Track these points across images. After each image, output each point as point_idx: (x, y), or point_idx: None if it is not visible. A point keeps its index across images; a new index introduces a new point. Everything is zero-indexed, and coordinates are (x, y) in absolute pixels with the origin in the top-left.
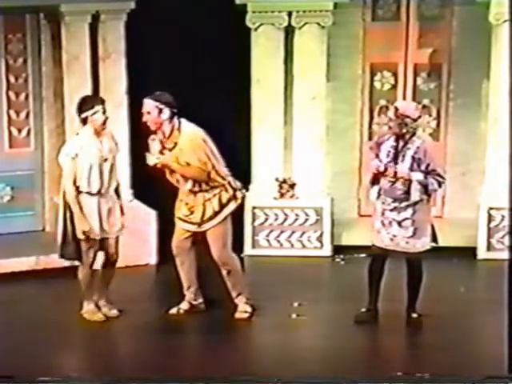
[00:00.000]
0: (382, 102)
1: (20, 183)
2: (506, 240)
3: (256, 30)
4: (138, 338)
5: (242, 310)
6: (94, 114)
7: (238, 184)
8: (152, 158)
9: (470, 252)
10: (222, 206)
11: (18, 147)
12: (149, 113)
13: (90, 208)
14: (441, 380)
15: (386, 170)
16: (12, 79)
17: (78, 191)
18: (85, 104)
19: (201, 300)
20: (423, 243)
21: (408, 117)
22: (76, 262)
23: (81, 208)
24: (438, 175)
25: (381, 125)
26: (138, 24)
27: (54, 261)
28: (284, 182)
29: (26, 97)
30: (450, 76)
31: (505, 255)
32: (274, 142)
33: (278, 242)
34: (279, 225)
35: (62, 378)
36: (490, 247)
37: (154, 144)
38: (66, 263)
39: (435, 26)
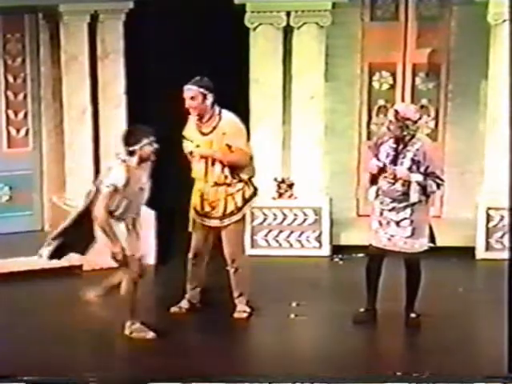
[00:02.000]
0: (381, 102)
1: (18, 183)
2: (505, 240)
3: (255, 29)
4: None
5: (241, 309)
6: (142, 147)
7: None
8: (189, 146)
9: (468, 252)
10: (245, 202)
11: (16, 147)
12: (192, 98)
13: (119, 231)
14: (441, 380)
15: (384, 170)
16: (10, 79)
17: (112, 215)
18: (133, 137)
19: (199, 299)
20: (421, 243)
21: (408, 119)
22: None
23: (112, 230)
24: (437, 177)
25: (379, 125)
26: (136, 24)
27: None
28: (282, 181)
29: (25, 97)
30: (448, 76)
31: (504, 255)
32: (272, 142)
33: (277, 241)
34: (278, 225)
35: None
36: (488, 247)
37: (190, 131)
38: (64, 263)
39: (434, 25)
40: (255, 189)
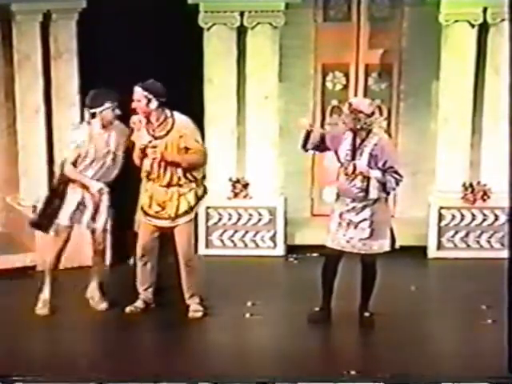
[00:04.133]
0: (334, 102)
1: None
2: (456, 239)
3: (208, 29)
4: (92, 337)
5: (195, 309)
6: (102, 111)
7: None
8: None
9: (420, 251)
10: (197, 201)
11: None
12: (138, 101)
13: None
14: (440, 380)
15: (343, 165)
16: None
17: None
18: (95, 100)
19: (152, 299)
20: (380, 245)
21: (361, 112)
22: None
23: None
24: (396, 172)
25: (333, 125)
26: (90, 23)
27: (8, 261)
28: (237, 181)
29: None
30: (400, 76)
31: (455, 254)
32: (227, 142)
33: (232, 241)
34: (233, 224)
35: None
36: (440, 246)
37: (140, 133)
38: (19, 264)
39: (386, 26)
40: (205, 187)
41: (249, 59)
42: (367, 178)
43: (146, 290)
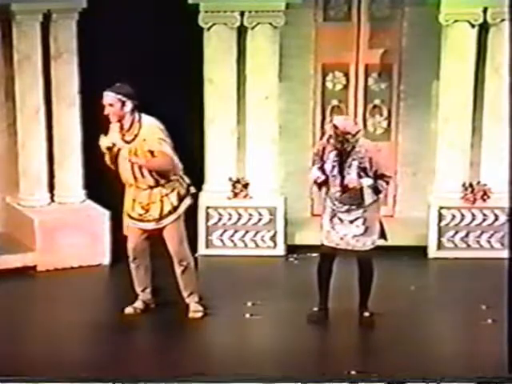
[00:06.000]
0: (334, 102)
1: None
2: (456, 239)
3: (208, 29)
4: (93, 338)
5: (195, 309)
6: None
7: (187, 179)
8: (105, 141)
9: (420, 251)
10: (180, 201)
11: None
12: (111, 105)
13: None
14: (440, 380)
15: (327, 181)
16: None
17: None
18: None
19: (152, 300)
20: (373, 240)
21: (348, 133)
22: None
23: None
24: (385, 176)
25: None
26: (90, 23)
27: (8, 261)
28: (237, 181)
29: None
30: (400, 76)
31: (455, 254)
32: (227, 142)
33: (232, 241)
34: (233, 224)
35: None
36: (440, 246)
37: (113, 136)
38: (19, 264)
39: (386, 26)
40: (188, 184)
41: (249, 59)
42: (360, 189)
43: (143, 291)
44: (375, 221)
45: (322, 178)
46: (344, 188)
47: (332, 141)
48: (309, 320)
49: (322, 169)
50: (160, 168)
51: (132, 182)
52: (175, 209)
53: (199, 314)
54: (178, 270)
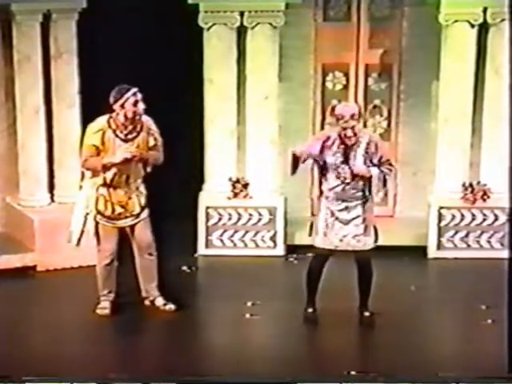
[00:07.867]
0: (334, 102)
1: None
2: (456, 239)
3: (208, 29)
4: (93, 338)
5: (164, 302)
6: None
7: None
8: (125, 152)
9: (420, 251)
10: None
11: None
12: (136, 103)
13: None
14: (441, 380)
15: (337, 169)
16: None
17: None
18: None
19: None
20: (373, 240)
21: (352, 115)
22: None
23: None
24: (390, 164)
25: (333, 125)
26: (90, 23)
27: (8, 261)
28: (237, 181)
29: None
30: (400, 76)
31: (455, 254)
32: (227, 142)
33: (232, 241)
34: (233, 224)
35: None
36: (440, 246)
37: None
38: (19, 264)
39: (386, 26)
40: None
41: (249, 59)
42: (367, 178)
43: (107, 294)
44: (372, 221)
45: (304, 155)
46: (353, 177)
47: (334, 133)
48: (305, 320)
49: (314, 159)
50: (156, 161)
51: (115, 183)
52: (147, 202)
53: (172, 306)
54: (147, 262)
